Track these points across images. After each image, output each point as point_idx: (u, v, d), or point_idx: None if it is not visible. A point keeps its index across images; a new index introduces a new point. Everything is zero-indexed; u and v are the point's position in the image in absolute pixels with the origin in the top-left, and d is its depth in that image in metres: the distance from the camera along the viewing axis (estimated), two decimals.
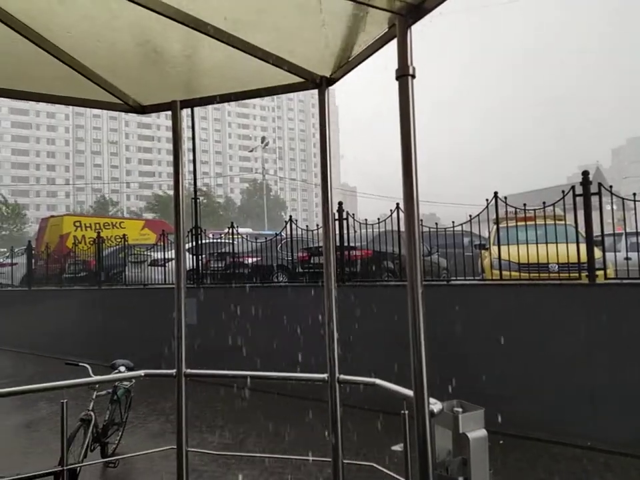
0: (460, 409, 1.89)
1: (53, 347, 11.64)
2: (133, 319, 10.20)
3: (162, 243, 10.44)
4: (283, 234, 8.98)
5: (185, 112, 3.12)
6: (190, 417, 2.63)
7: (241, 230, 10.02)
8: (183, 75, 2.46)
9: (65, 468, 2.77)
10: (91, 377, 4.48)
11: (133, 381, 5.31)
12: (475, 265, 8.03)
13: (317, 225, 7.30)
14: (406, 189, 1.64)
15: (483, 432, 1.87)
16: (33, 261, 15.16)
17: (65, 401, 2.63)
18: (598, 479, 4.61)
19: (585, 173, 6.03)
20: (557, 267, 6.30)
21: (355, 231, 7.91)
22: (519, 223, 6.95)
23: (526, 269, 6.58)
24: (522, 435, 5.50)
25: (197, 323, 8.56)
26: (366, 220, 7.95)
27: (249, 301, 8.22)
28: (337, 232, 7.77)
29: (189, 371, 2.61)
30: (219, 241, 10.02)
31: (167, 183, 73.04)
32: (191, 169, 11.17)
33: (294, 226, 8.45)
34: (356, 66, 2.15)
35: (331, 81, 2.32)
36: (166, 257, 10.31)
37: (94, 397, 4.76)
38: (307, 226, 8.76)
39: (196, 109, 9.30)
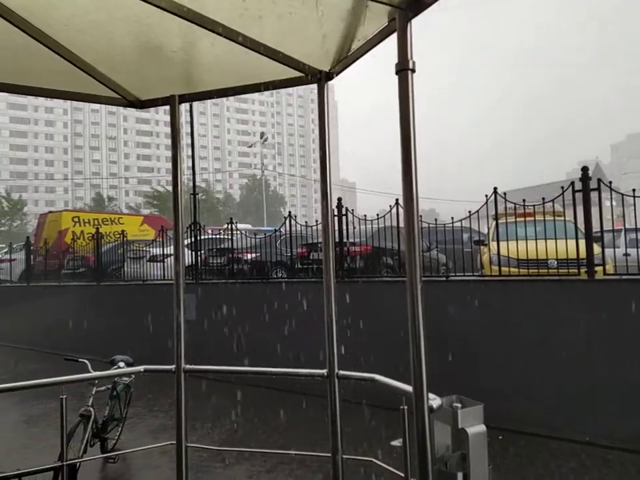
0: (459, 405, 1.89)
1: (52, 342, 11.65)
2: (132, 315, 10.20)
3: (161, 239, 10.43)
4: (282, 230, 8.97)
5: (184, 107, 3.11)
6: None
7: (240, 226, 10.01)
8: (181, 70, 2.44)
9: (64, 463, 2.77)
10: (90, 372, 4.48)
11: (133, 376, 5.31)
12: (474, 261, 8.04)
13: (317, 221, 7.30)
14: (405, 185, 1.64)
15: (482, 427, 1.87)
16: (32, 256, 15.15)
17: (65, 396, 2.63)
18: (597, 474, 4.63)
19: (585, 169, 6.03)
20: (556, 262, 6.30)
21: (354, 227, 7.91)
22: (518, 219, 6.94)
23: (525, 264, 6.58)
24: (521, 431, 5.51)
25: (196, 318, 8.57)
26: (365, 216, 7.95)
27: (247, 297, 8.23)
28: (336, 228, 7.77)
29: (188, 366, 2.61)
30: (218, 236, 10.01)
31: (165, 178, 72.89)
32: (190, 164, 11.14)
33: (293, 222, 8.45)
34: (355, 60, 2.13)
35: (330, 75, 2.31)
36: (165, 252, 10.31)
37: (93, 392, 4.76)
38: (306, 222, 8.76)
39: (194, 105, 9.28)
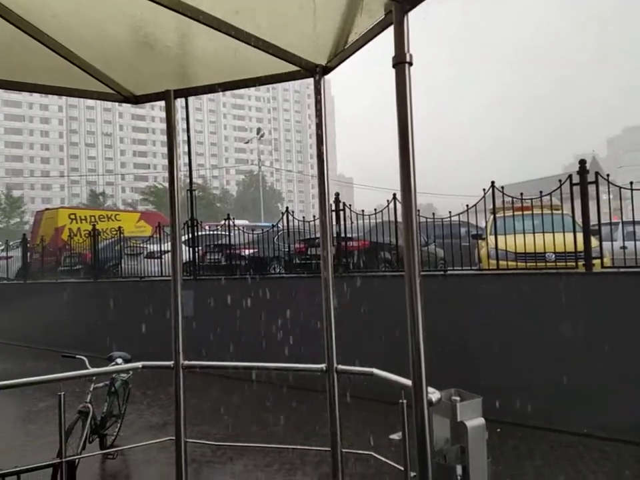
0: (458, 398, 1.90)
1: (49, 339, 11.63)
2: (130, 312, 10.18)
3: (158, 235, 10.41)
4: (279, 225, 8.97)
5: (179, 103, 3.09)
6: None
7: (237, 222, 9.99)
8: (176, 64, 2.43)
9: (63, 460, 2.77)
10: (88, 369, 4.47)
11: (130, 372, 5.31)
12: (472, 255, 8.05)
13: (314, 216, 7.29)
14: (403, 179, 1.63)
15: (480, 420, 1.88)
16: (29, 254, 15.11)
17: (62, 393, 2.62)
18: (594, 466, 4.66)
19: (582, 162, 6.02)
20: (553, 256, 6.32)
21: (352, 222, 7.90)
22: (515, 213, 6.95)
23: (523, 258, 6.59)
24: (519, 423, 5.54)
25: (194, 314, 8.56)
26: (363, 211, 7.94)
27: (245, 293, 8.22)
28: (334, 223, 7.76)
29: (186, 362, 2.61)
30: (215, 232, 9.99)
31: (162, 175, 72.68)
32: (186, 160, 11.10)
33: (290, 217, 8.43)
34: (352, 54, 2.12)
35: (327, 69, 2.29)
36: (162, 249, 10.28)
37: (91, 389, 4.75)
38: (303, 217, 8.74)
39: (190, 101, 9.23)
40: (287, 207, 8.98)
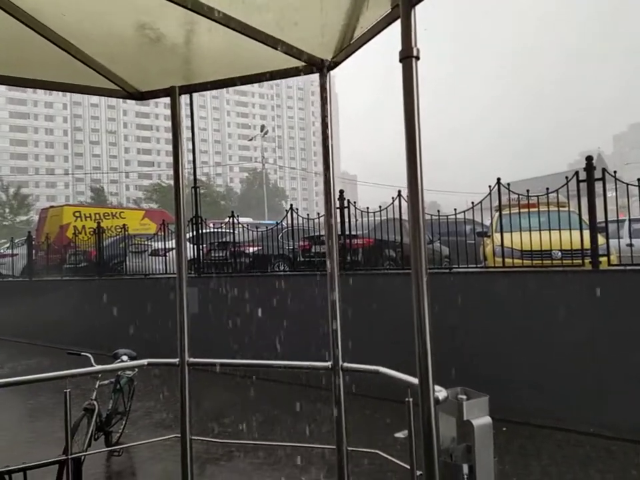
0: (464, 396, 1.88)
1: (54, 337, 11.68)
2: (135, 309, 10.21)
3: (162, 233, 10.42)
4: (283, 223, 8.96)
5: (184, 100, 3.08)
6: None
7: (241, 219, 9.99)
8: (181, 60, 2.41)
9: (69, 457, 2.77)
10: (93, 366, 4.48)
11: (136, 370, 5.32)
12: (477, 253, 8.01)
13: (318, 214, 7.27)
14: (410, 175, 1.61)
15: (487, 419, 1.86)
16: (34, 251, 15.17)
17: (68, 390, 2.62)
18: (601, 465, 4.63)
19: (589, 159, 5.98)
20: (560, 253, 6.27)
21: (356, 219, 7.88)
22: (521, 210, 6.91)
23: (529, 256, 6.55)
24: (525, 422, 5.51)
25: (199, 312, 8.57)
26: (367, 208, 7.91)
27: (250, 290, 8.22)
28: (339, 220, 7.74)
29: (191, 359, 2.60)
30: (219, 230, 10.00)
31: (166, 173, 72.83)
32: (191, 158, 11.10)
33: (295, 215, 8.42)
34: (358, 48, 2.10)
35: (333, 64, 2.27)
36: (166, 246, 10.30)
37: (97, 386, 4.77)
38: (307, 215, 8.73)
39: (194, 98, 9.22)
40: (291, 205, 8.96)
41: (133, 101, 2.71)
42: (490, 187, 6.51)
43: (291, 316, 7.30)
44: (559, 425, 5.42)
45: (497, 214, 6.84)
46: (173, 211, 2.72)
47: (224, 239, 9.73)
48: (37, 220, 24.53)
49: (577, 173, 5.92)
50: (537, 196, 6.86)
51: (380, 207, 7.53)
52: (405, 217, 7.11)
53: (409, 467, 2.15)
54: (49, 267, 14.16)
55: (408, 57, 1.61)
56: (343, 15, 1.87)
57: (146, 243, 11.34)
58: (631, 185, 5.87)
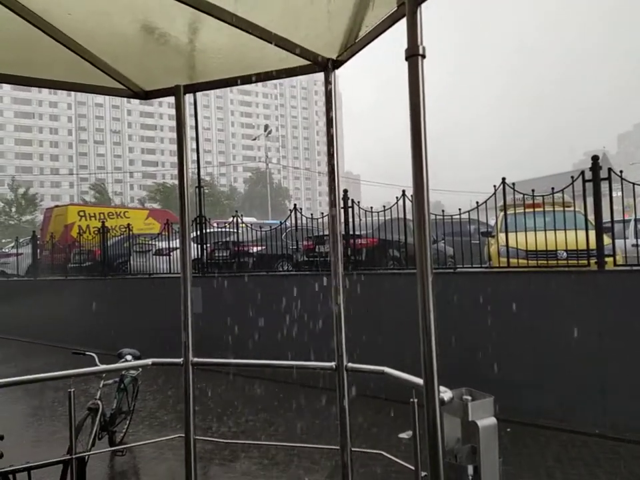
0: (469, 397, 1.87)
1: (59, 336, 11.72)
2: (139, 308, 10.24)
3: (166, 233, 10.44)
4: (287, 223, 8.95)
5: (188, 99, 3.07)
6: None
7: (245, 219, 10.00)
8: (186, 59, 2.41)
9: (73, 456, 2.78)
10: (97, 366, 4.49)
11: (140, 369, 5.33)
12: (482, 253, 7.98)
13: (322, 214, 7.26)
14: (416, 174, 1.60)
15: (492, 420, 1.85)
16: (38, 251, 15.22)
17: (73, 389, 2.62)
18: (606, 466, 4.60)
19: (595, 158, 5.94)
20: (565, 254, 6.24)
21: (360, 219, 7.86)
22: (526, 210, 6.87)
23: (534, 256, 6.52)
24: (530, 423, 5.49)
25: (203, 311, 8.58)
26: (371, 208, 7.90)
27: (253, 290, 8.22)
28: (342, 220, 7.72)
29: (196, 359, 2.60)
30: (223, 230, 10.01)
31: (170, 172, 72.92)
32: (194, 158, 11.11)
33: (298, 215, 8.41)
34: (363, 47, 2.09)
35: (338, 63, 2.26)
36: (171, 246, 10.32)
37: (101, 385, 4.77)
38: (311, 214, 8.72)
39: (198, 98, 9.23)
40: (295, 204, 8.95)
41: (137, 101, 2.72)
42: (495, 186, 6.48)
43: (294, 315, 7.29)
44: (564, 426, 5.39)
45: (502, 214, 6.80)
46: (176, 211, 2.72)
47: (228, 239, 9.74)
48: (41, 219, 24.61)
49: (582, 173, 5.89)
50: (542, 196, 6.83)
51: (384, 206, 7.51)
52: (409, 216, 7.09)
53: (413, 468, 2.15)
54: (53, 266, 14.21)
55: (414, 55, 1.60)
56: (349, 13, 1.87)
57: (150, 242, 11.36)
58: (637, 184, 5.83)
